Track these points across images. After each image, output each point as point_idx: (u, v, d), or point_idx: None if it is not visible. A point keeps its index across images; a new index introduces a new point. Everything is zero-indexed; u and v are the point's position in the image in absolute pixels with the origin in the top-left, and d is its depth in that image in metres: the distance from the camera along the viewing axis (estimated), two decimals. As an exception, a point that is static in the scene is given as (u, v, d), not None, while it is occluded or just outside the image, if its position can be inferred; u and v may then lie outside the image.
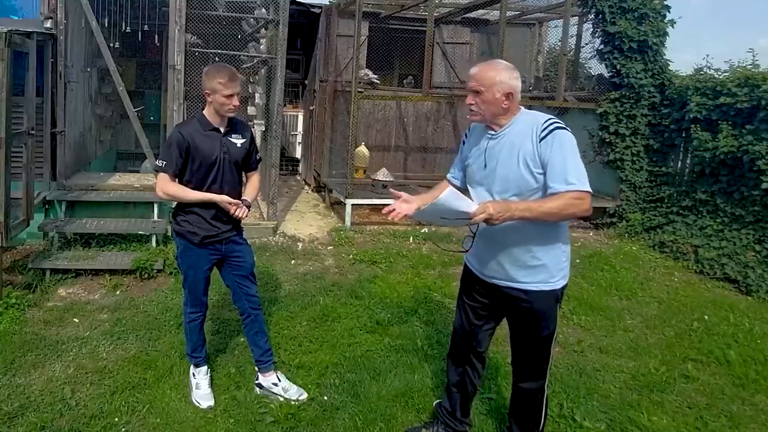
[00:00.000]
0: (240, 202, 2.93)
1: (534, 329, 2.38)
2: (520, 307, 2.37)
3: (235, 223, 3.03)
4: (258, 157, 3.18)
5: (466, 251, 2.38)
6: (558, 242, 2.33)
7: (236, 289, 3.11)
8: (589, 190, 2.16)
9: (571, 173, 2.13)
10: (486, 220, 2.09)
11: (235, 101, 2.85)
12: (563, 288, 2.37)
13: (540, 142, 2.20)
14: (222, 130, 2.93)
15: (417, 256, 5.57)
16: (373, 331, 3.91)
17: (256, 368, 3.19)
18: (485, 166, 2.35)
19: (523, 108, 2.37)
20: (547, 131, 2.20)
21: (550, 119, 2.24)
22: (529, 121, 2.28)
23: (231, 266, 3.07)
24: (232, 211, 2.89)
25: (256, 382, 3.17)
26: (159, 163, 2.91)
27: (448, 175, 2.67)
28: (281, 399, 3.06)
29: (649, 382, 3.43)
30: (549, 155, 2.17)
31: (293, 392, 3.10)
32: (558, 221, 2.26)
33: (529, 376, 2.48)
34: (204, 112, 2.94)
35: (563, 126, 2.22)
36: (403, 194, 2.33)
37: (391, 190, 2.46)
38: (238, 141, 2.98)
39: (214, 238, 2.97)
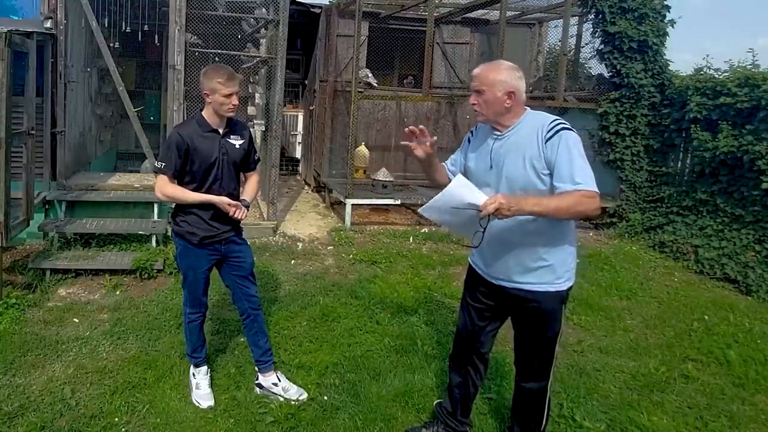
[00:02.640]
0: (239, 203, 2.93)
1: (539, 330, 2.38)
2: (527, 308, 2.36)
3: (235, 224, 3.03)
4: (257, 158, 3.18)
5: (476, 247, 2.31)
6: (565, 243, 2.32)
7: (236, 289, 3.11)
8: (597, 190, 2.14)
9: (578, 173, 2.12)
10: (496, 211, 2.03)
11: (235, 100, 2.85)
12: (569, 289, 2.37)
13: (546, 143, 2.18)
14: (221, 131, 2.94)
15: (417, 256, 5.57)
16: (373, 331, 3.90)
17: (256, 368, 3.19)
18: (491, 167, 2.34)
19: (528, 109, 2.35)
20: (552, 132, 2.18)
21: (555, 120, 2.23)
22: (535, 122, 2.27)
23: (230, 266, 3.08)
24: (231, 212, 2.89)
25: (256, 382, 3.17)
26: (158, 164, 2.91)
27: (445, 162, 2.63)
28: (281, 399, 3.06)
29: (649, 382, 3.43)
30: (555, 156, 2.16)
31: (293, 392, 3.10)
32: (568, 219, 2.23)
33: (532, 376, 2.48)
34: (203, 113, 2.94)
35: (569, 127, 2.21)
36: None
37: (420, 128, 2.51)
38: (236, 142, 2.98)
39: (213, 239, 2.97)
